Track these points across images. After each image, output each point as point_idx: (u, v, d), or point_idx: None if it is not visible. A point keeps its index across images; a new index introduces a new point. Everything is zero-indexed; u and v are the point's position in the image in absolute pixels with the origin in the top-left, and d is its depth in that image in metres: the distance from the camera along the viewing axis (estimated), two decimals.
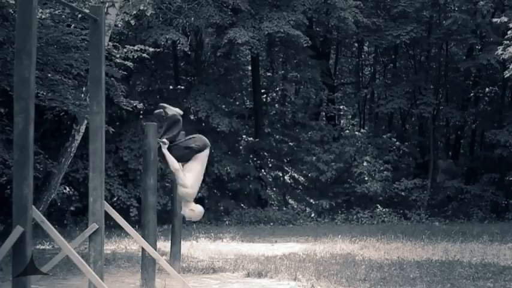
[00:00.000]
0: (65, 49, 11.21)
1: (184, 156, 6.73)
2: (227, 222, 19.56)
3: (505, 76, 17.76)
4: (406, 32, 21.42)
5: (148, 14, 14.42)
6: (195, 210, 6.81)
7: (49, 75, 11.28)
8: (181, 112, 7.16)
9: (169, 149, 6.70)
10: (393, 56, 25.20)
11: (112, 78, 12.78)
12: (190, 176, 6.62)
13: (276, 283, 8.54)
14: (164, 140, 6.76)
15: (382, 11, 23.82)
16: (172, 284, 7.87)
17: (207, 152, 6.75)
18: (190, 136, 6.89)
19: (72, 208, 17.92)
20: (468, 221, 20.36)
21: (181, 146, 6.76)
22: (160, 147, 6.83)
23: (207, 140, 6.78)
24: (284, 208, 21.07)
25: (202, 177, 6.87)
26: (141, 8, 12.76)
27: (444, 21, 22.45)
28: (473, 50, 23.36)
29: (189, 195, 6.65)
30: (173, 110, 7.05)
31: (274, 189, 22.32)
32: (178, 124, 6.94)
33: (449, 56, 24.76)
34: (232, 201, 20.43)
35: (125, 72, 13.36)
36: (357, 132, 23.22)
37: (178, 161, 6.68)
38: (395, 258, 10.80)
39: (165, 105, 7.12)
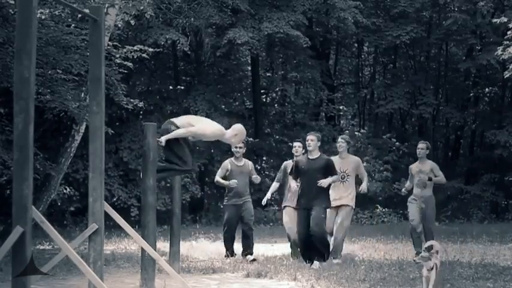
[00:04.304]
0: (64, 49, 11.19)
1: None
2: None
3: (505, 76, 17.76)
4: (406, 32, 21.43)
5: (148, 17, 14.44)
6: (238, 133, 7.79)
7: (49, 72, 11.27)
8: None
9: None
10: (393, 56, 25.21)
11: (112, 78, 12.79)
12: (198, 127, 7.47)
13: (276, 283, 8.53)
14: (160, 139, 7.42)
15: (382, 11, 23.85)
16: (172, 284, 7.86)
17: (179, 118, 7.77)
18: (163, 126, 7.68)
19: (72, 208, 17.90)
20: (468, 221, 20.35)
21: (165, 134, 7.51)
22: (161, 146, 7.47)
23: (169, 120, 7.71)
24: None
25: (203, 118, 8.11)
26: (141, 8, 12.77)
27: (444, 22, 22.47)
28: (473, 50, 23.37)
29: (215, 130, 7.56)
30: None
31: None
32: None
33: (449, 56, 24.77)
34: None
35: (125, 71, 13.34)
36: (356, 133, 23.20)
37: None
38: (395, 258, 10.79)
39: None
